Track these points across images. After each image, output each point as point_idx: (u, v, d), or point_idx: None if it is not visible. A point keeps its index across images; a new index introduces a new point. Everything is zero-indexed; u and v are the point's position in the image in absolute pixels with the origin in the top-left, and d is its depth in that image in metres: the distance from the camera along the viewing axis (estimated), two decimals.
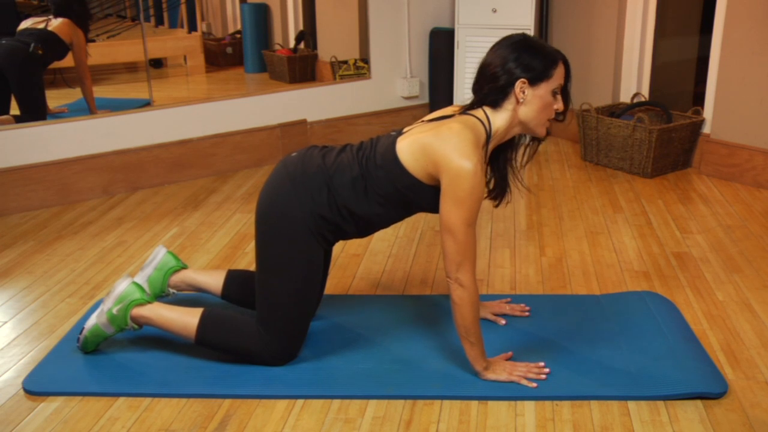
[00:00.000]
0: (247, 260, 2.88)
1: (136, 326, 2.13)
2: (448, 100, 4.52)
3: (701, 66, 4.20)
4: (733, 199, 3.43)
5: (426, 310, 2.42)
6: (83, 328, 2.14)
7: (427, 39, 4.63)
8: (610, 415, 1.88)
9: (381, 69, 4.53)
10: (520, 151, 2.14)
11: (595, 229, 3.11)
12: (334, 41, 4.81)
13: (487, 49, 2.01)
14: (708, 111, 3.82)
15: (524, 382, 1.98)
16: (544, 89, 1.94)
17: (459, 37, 4.35)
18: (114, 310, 2.10)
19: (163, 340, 2.22)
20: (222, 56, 4.94)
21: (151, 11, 4.62)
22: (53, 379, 2.06)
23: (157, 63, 4.54)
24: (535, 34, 4.26)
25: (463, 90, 4.39)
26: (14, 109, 3.61)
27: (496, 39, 2.02)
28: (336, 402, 1.95)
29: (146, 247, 3.00)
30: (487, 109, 1.98)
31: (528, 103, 1.95)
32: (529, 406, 1.92)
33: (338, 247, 2.93)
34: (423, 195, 1.97)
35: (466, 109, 2.01)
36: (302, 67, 4.71)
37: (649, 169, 3.72)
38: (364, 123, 4.51)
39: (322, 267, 2.11)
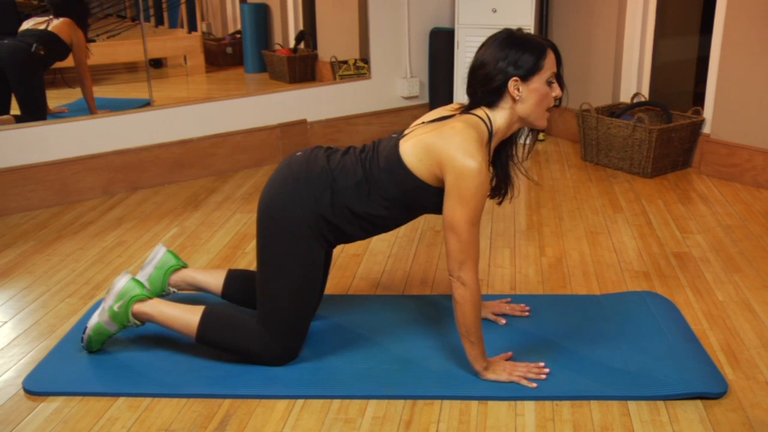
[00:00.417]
0: (247, 260, 2.88)
1: (138, 322, 2.14)
2: (448, 100, 4.51)
3: (701, 66, 4.20)
4: (733, 199, 3.43)
5: (426, 310, 2.42)
6: (86, 327, 2.15)
7: (427, 39, 4.63)
8: (610, 415, 1.88)
9: (381, 69, 4.53)
10: (520, 146, 2.13)
11: (595, 229, 3.11)
12: (334, 41, 4.81)
13: None
14: (708, 111, 3.82)
15: (524, 382, 1.97)
16: (538, 82, 1.93)
17: (459, 37, 4.35)
18: (115, 307, 2.10)
19: (163, 340, 2.22)
20: (222, 56, 4.94)
21: (151, 11, 4.62)
22: (53, 379, 2.06)
23: (157, 63, 4.54)
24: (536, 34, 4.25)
25: (463, 90, 4.36)
26: (14, 109, 3.61)
27: None
28: (336, 402, 1.95)
29: (146, 247, 3.00)
30: (486, 109, 1.98)
31: (524, 100, 1.94)
32: (529, 406, 1.92)
33: (338, 247, 2.93)
34: (428, 197, 1.97)
35: (466, 109, 2.01)
36: (302, 67, 4.70)
37: (649, 169, 3.72)
38: (364, 123, 4.51)
39: (323, 267, 2.11)
